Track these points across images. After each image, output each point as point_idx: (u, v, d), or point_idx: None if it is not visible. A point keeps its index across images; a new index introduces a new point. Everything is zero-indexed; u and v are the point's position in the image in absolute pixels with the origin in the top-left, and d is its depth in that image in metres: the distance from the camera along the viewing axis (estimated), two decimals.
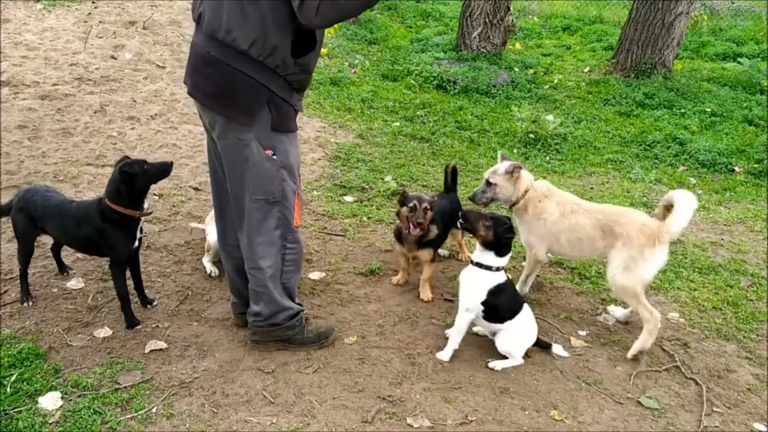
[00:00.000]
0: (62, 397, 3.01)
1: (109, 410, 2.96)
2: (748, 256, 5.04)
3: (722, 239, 5.34)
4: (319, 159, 6.29)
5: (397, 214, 4.09)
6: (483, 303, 3.46)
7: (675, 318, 4.13)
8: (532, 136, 7.78)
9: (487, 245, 3.43)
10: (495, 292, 3.45)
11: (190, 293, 3.97)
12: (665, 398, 3.40)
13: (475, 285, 3.47)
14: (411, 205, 3.93)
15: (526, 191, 3.97)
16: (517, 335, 3.52)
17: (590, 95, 9.78)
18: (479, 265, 3.47)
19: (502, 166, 4.04)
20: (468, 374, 3.45)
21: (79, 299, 3.78)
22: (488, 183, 4.04)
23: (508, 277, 3.53)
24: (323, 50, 8.36)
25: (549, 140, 7.77)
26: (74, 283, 3.92)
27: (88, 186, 5.06)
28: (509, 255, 3.48)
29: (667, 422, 3.22)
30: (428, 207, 3.94)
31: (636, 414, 3.26)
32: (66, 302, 3.75)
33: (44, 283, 3.89)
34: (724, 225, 5.70)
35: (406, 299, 4.11)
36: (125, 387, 3.13)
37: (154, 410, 3.01)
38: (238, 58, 2.84)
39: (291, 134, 3.15)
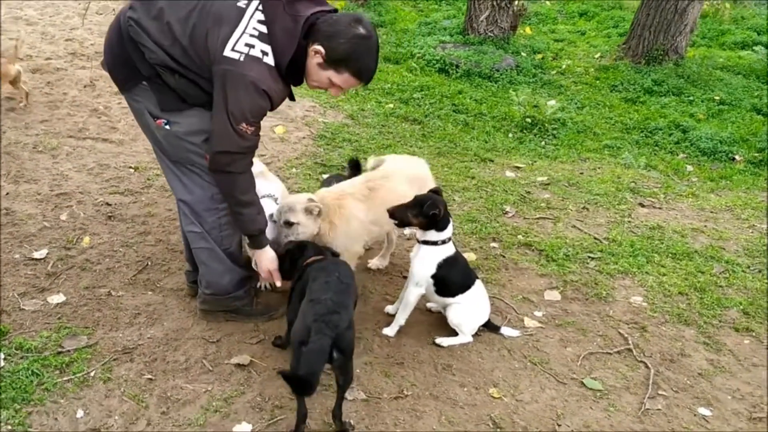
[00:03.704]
0: (4, 359, 3.07)
1: (47, 372, 3.02)
2: (728, 243, 4.90)
3: (705, 226, 5.20)
4: (304, 138, 6.27)
5: None
6: (433, 276, 3.44)
7: (638, 302, 4.04)
8: (529, 120, 7.66)
9: (426, 227, 3.41)
10: (444, 266, 3.43)
11: (149, 263, 4.00)
12: (611, 380, 3.34)
13: (424, 259, 3.45)
14: None
15: (319, 212, 3.50)
16: (468, 309, 3.49)
17: (597, 81, 9.58)
18: (425, 242, 3.44)
19: (299, 201, 3.47)
20: (413, 350, 3.44)
21: (40, 266, 3.84)
22: (288, 223, 3.46)
23: (457, 250, 3.49)
24: None
25: (546, 125, 7.65)
26: (37, 252, 3.97)
27: (66, 158, 5.12)
28: (450, 225, 3.43)
29: (608, 403, 3.17)
30: None
31: (577, 394, 3.21)
32: (26, 268, 3.80)
33: (7, 249, 3.95)
34: (711, 212, 5.56)
35: (361, 277, 4.08)
36: (68, 351, 3.18)
37: (92, 374, 3.06)
38: (139, 58, 2.87)
39: (187, 111, 3.01)
